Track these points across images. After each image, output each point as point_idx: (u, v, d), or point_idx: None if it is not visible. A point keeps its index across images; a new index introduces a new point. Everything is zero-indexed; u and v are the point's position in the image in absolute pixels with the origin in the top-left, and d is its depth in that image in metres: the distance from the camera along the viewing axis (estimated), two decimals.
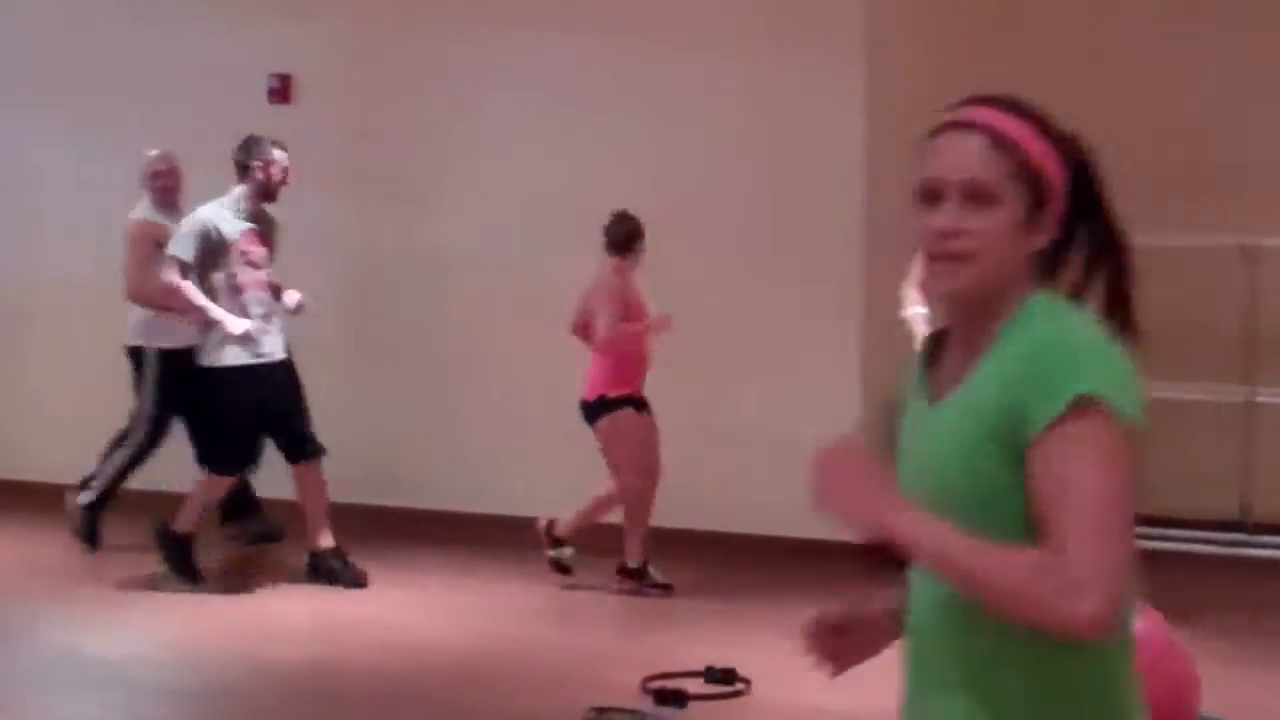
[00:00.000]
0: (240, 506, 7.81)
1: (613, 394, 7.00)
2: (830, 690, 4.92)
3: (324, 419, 7.44)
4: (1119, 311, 1.95)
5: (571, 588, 7.23)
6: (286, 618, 6.82)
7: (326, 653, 6.24)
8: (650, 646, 6.28)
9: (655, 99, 7.97)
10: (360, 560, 7.39)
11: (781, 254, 7.81)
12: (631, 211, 7.09)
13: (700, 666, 5.76)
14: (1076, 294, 1.98)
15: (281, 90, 8.52)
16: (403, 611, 6.88)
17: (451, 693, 5.79)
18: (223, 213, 7.04)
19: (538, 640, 6.55)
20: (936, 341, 2.05)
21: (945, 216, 1.88)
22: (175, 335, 7.35)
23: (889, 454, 2.06)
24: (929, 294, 2.67)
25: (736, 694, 5.66)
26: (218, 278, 7.02)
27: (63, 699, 5.84)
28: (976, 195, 1.87)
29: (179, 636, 6.58)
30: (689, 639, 6.30)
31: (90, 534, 7.82)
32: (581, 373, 7.03)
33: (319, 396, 7.48)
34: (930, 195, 1.91)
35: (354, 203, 8.42)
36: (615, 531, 7.27)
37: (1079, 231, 1.95)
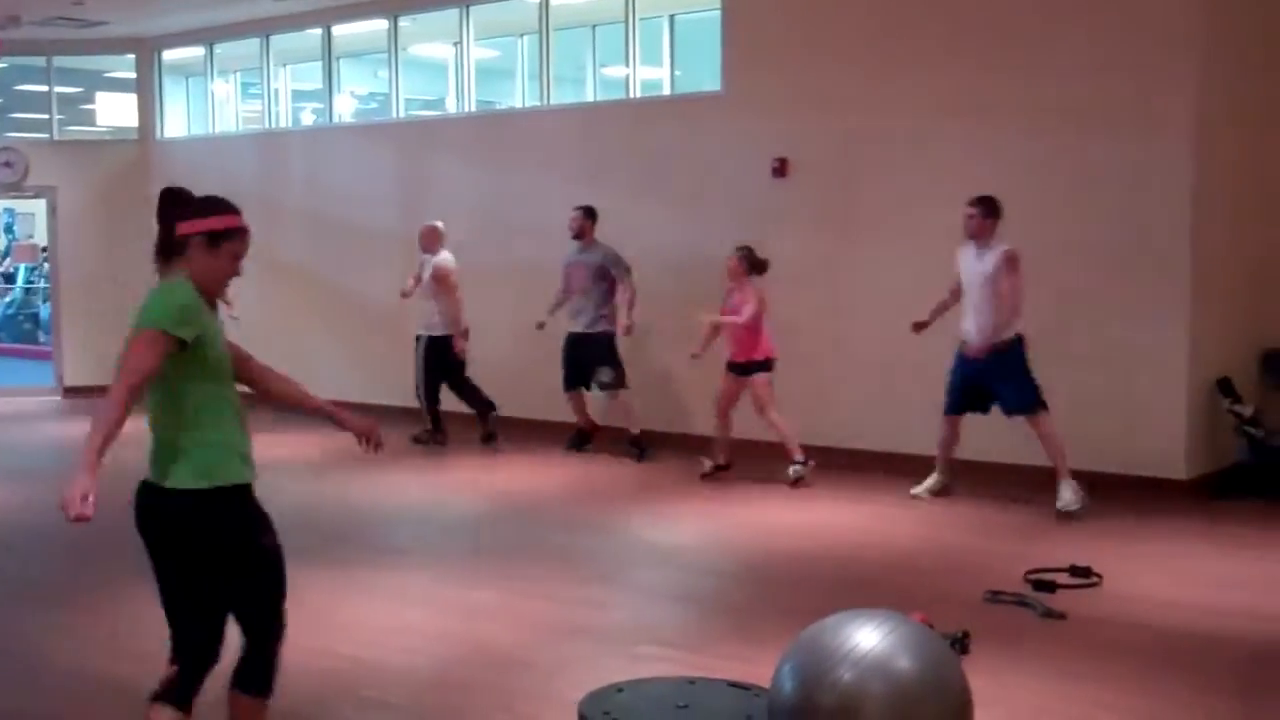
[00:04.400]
0: None
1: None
2: (1170, 587, 6.52)
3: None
4: None
5: (953, 504, 8.98)
6: (784, 521, 8.66)
7: (803, 547, 7.90)
8: (1026, 550, 7.59)
9: (1023, 171, 9.55)
10: (828, 489, 9.47)
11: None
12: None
13: (1066, 564, 7.05)
14: None
15: (781, 169, 10.92)
16: (858, 519, 8.70)
17: (885, 575, 7.26)
18: None
19: (939, 542, 8.11)
20: None
21: None
22: None
23: None
24: None
25: (1093, 585, 6.83)
26: None
27: (640, 571, 7.70)
28: None
29: (713, 530, 8.51)
30: (1058, 545, 7.63)
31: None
32: None
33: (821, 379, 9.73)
34: None
35: (831, 243, 10.65)
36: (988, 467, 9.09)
37: None
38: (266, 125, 15.52)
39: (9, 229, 23.03)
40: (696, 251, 11.35)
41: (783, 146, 10.81)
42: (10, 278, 23.08)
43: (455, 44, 13.74)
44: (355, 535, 8.66)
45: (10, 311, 22.78)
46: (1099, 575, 6.97)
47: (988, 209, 8.78)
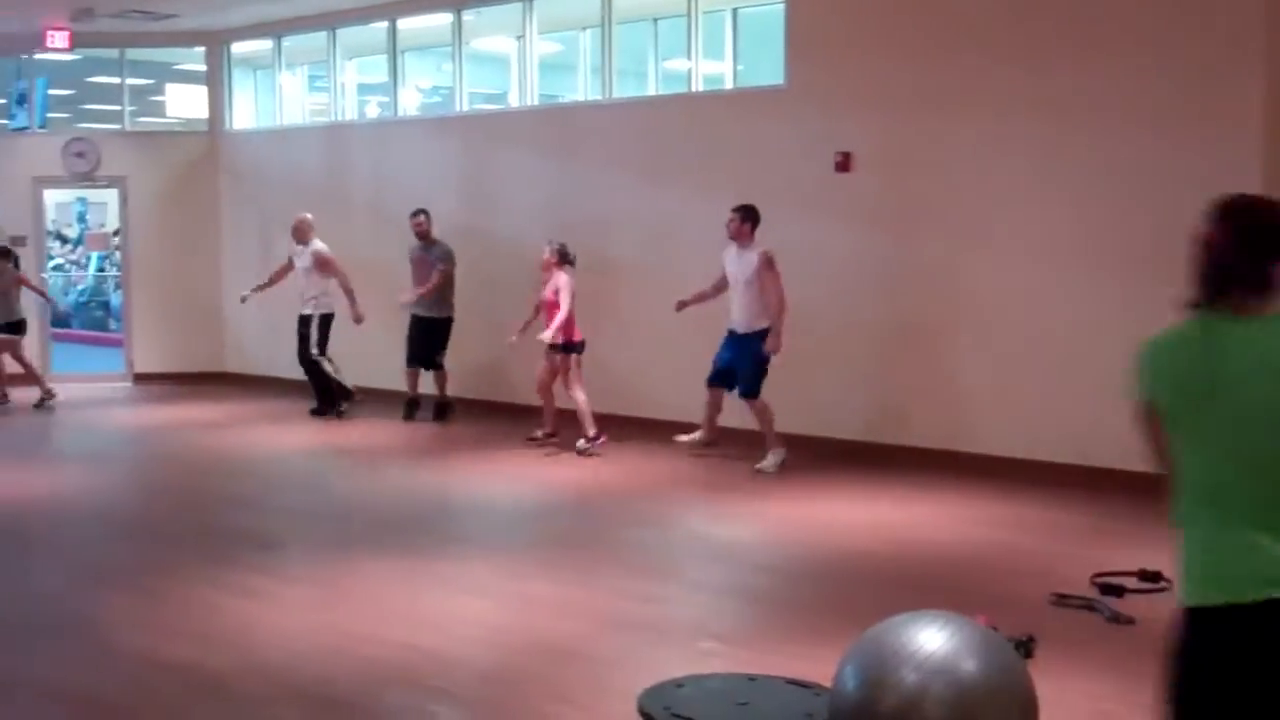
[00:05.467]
0: None
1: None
2: None
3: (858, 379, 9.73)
4: None
5: (1022, 505, 8.86)
6: (843, 518, 8.60)
7: (865, 546, 7.84)
8: (1090, 553, 7.46)
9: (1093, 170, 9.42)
10: (888, 486, 9.41)
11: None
12: None
13: (1135, 568, 6.84)
14: None
15: (844, 163, 10.81)
16: (916, 518, 8.61)
17: (944, 575, 7.18)
18: None
19: (1000, 542, 7.99)
20: None
21: None
22: None
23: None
24: None
25: (1162, 590, 6.53)
26: None
27: (698, 566, 7.72)
28: None
29: (769, 526, 8.47)
30: (1125, 549, 7.41)
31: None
32: None
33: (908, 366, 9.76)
34: None
35: (893, 237, 10.52)
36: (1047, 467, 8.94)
37: None
38: (332, 118, 15.58)
39: (81, 218, 23.29)
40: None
41: (845, 141, 10.71)
42: (83, 266, 23.38)
43: (518, 38, 13.72)
44: (418, 525, 8.69)
45: (83, 299, 23.09)
46: (1168, 580, 6.64)
47: (745, 214, 10.11)
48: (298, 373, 13.82)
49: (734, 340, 10.22)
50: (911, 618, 3.56)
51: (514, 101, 14.23)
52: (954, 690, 3.36)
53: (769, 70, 11.67)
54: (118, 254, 18.51)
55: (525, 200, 13.01)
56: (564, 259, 11.17)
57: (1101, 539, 8.01)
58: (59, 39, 15.18)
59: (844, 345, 10.80)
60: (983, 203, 10.02)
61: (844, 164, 10.71)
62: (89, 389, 15.66)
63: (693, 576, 7.54)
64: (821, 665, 4.62)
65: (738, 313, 10.17)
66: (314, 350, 13.18)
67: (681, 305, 10.58)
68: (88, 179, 16.74)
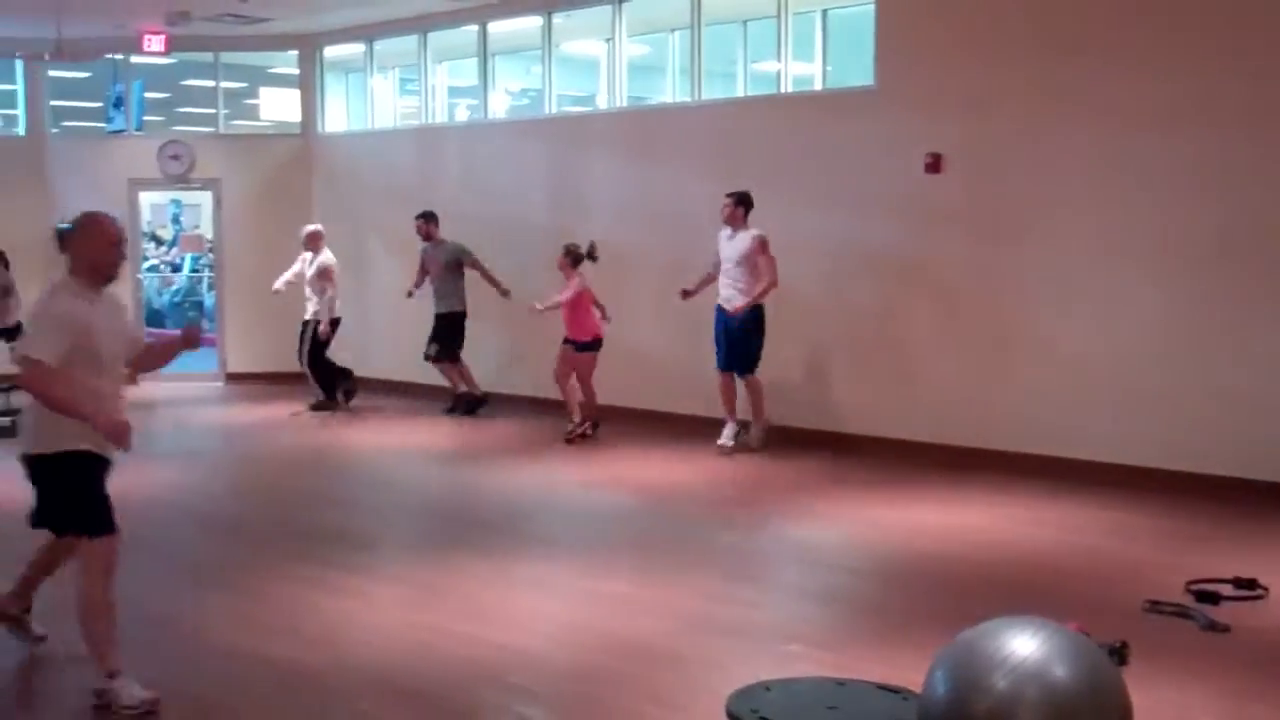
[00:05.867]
0: None
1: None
2: None
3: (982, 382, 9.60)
4: None
5: (1112, 509, 8.74)
6: (929, 521, 8.54)
7: (950, 550, 7.78)
8: (1183, 559, 7.38)
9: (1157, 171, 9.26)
10: (973, 489, 9.36)
11: None
12: None
13: (1230, 575, 6.80)
14: None
15: (934, 165, 10.74)
16: (1002, 521, 8.53)
17: (1033, 580, 7.09)
18: None
19: (1088, 547, 7.87)
20: None
21: None
22: None
23: None
24: None
25: (1258, 597, 6.60)
26: None
27: (783, 568, 7.73)
28: None
29: (854, 529, 8.40)
30: (1219, 555, 7.41)
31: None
32: None
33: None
34: None
35: (984, 241, 10.42)
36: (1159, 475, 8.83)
37: None
38: (423, 121, 15.73)
39: (176, 219, 23.66)
40: (846, 247, 11.24)
41: (936, 142, 10.63)
42: (177, 267, 23.75)
43: (607, 40, 13.77)
44: (504, 524, 8.76)
45: (177, 300, 23.45)
46: (1265, 587, 6.75)
47: (739, 200, 10.98)
48: (388, 372, 13.98)
49: (723, 316, 11.02)
50: (1003, 623, 3.53)
51: (602, 104, 14.28)
52: (1047, 697, 3.33)
53: (859, 71, 11.62)
54: (211, 255, 18.82)
55: (612, 202, 13.06)
56: (575, 260, 11.83)
57: (1194, 545, 7.90)
58: (155, 43, 15.43)
59: (935, 351, 10.73)
60: (1078, 207, 9.90)
61: (934, 166, 10.63)
62: (182, 388, 15.92)
63: (777, 578, 7.56)
64: (910, 670, 4.61)
65: (727, 290, 11.00)
66: (302, 357, 14.06)
67: (687, 294, 11.26)
68: (182, 181, 17.03)
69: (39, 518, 5.40)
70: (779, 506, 9.26)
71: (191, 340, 5.85)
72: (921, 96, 10.74)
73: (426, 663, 5.75)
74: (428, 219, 13.85)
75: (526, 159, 14.11)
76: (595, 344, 11.95)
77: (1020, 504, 9.11)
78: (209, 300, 21.24)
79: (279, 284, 14.28)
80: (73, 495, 5.22)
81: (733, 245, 11.00)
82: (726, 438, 11.14)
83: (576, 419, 11.93)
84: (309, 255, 14.00)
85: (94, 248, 5.24)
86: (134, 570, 7.80)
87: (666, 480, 10.14)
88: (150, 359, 5.79)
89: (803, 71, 12.76)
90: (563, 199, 13.65)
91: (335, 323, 13.95)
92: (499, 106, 15.69)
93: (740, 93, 13.32)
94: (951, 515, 8.83)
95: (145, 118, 17.52)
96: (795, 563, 7.87)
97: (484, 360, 13.89)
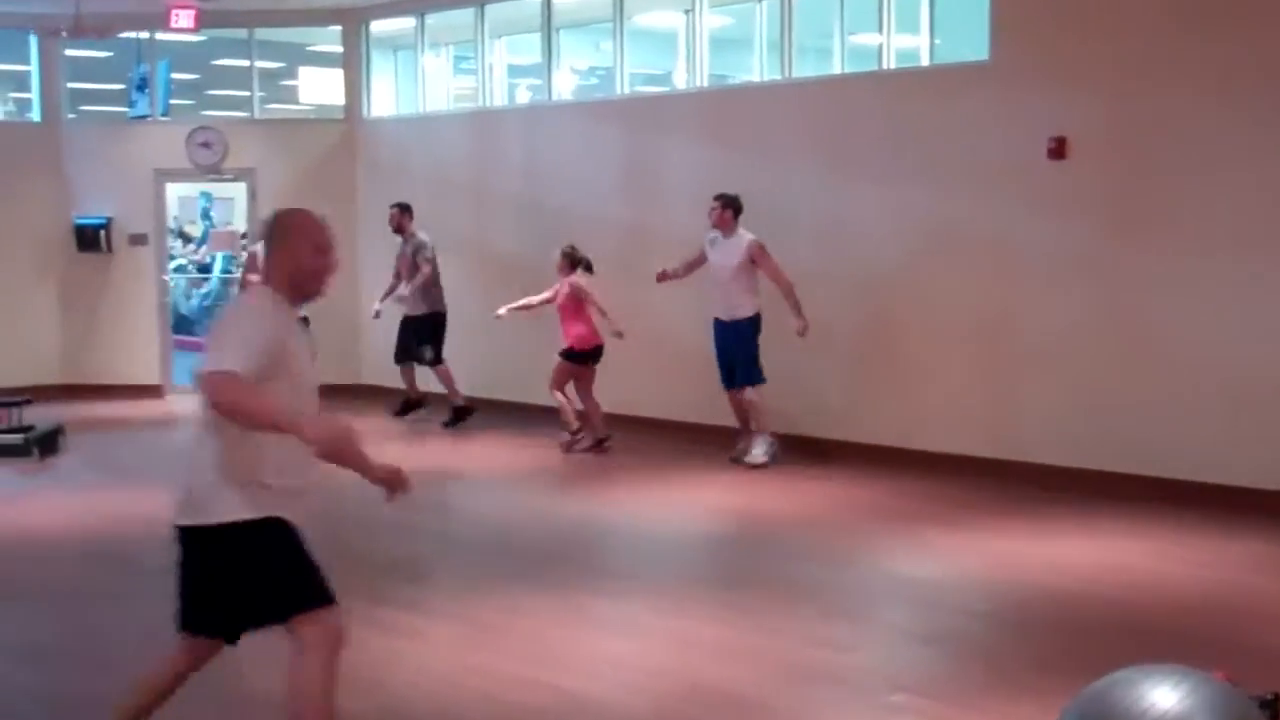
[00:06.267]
0: None
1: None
2: None
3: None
4: None
5: (1258, 540, 8.68)
6: (1047, 554, 8.45)
7: (1071, 585, 7.76)
8: None
9: None
10: (1097, 517, 9.31)
11: None
12: None
13: None
14: None
15: (1058, 149, 10.68)
16: (1124, 555, 8.50)
17: (1165, 621, 7.04)
18: None
19: (1225, 583, 7.89)
20: None
21: None
22: None
23: None
24: None
25: None
26: None
27: (881, 607, 7.74)
28: None
29: (959, 562, 8.40)
30: None
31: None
32: None
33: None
34: None
35: (1112, 232, 10.38)
36: None
37: None
38: (480, 103, 15.87)
39: (206, 214, 23.98)
40: (956, 238, 11.23)
41: (1060, 124, 10.57)
42: (207, 268, 24.03)
43: (686, 12, 13.82)
44: (569, 555, 8.84)
45: (206, 303, 23.65)
46: None
47: (726, 203, 11.51)
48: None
49: (721, 329, 11.64)
50: (1140, 673, 3.52)
51: (680, 83, 14.35)
52: None
53: (971, 44, 11.58)
54: (245, 254, 19.07)
55: (691, 193, 13.06)
56: (573, 263, 12.42)
57: None
58: (184, 18, 15.54)
59: (1054, 356, 10.67)
60: (1222, 197, 9.82)
61: (1058, 150, 10.57)
62: None
63: (877, 619, 7.58)
64: None
65: (721, 300, 11.61)
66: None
67: (665, 277, 12.03)
68: (213, 172, 17.30)
69: (209, 614, 4.60)
70: (873, 534, 9.27)
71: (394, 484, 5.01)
72: (1043, 72, 10.70)
73: (485, 711, 5.81)
74: (403, 210, 14.29)
75: (595, 145, 14.21)
76: (594, 354, 12.47)
77: (1150, 533, 9.06)
78: None
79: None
80: (288, 565, 4.53)
81: (724, 252, 11.55)
82: (752, 455, 11.57)
83: (573, 428, 12.49)
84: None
85: (294, 254, 4.62)
86: (155, 603, 7.95)
87: (746, 504, 10.21)
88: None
89: (907, 45, 12.72)
90: (636, 190, 13.73)
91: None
92: (564, 87, 15.80)
93: (836, 69, 13.30)
94: (1067, 545, 8.81)
95: (172, 102, 17.82)
96: (896, 600, 7.90)
97: (502, 366, 13.97)
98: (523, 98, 16.63)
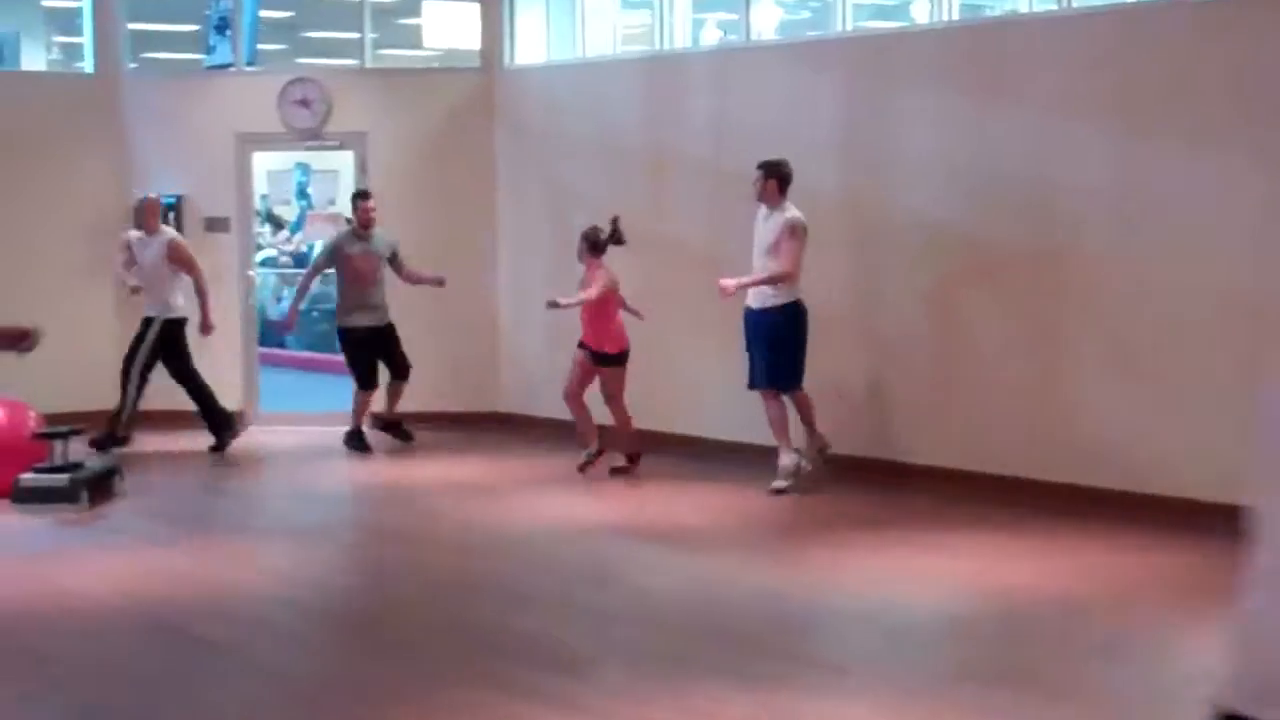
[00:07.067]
0: None
1: None
2: None
3: None
4: None
5: None
6: None
7: None
8: None
9: None
10: None
11: None
12: None
13: None
14: None
15: None
16: None
17: None
18: None
19: None
20: None
21: None
22: None
23: None
24: None
25: None
26: None
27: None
28: None
29: None
30: None
31: None
32: None
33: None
34: None
35: None
36: None
37: None
38: (655, 46, 15.81)
39: (303, 193, 24.15)
40: None
41: None
42: (304, 261, 24.17)
43: None
44: (768, 638, 8.75)
45: (303, 307, 23.65)
46: None
47: (769, 171, 12.50)
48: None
49: (753, 320, 12.66)
50: None
51: (919, 16, 14.14)
52: None
53: None
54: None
55: (934, 159, 12.90)
56: (595, 248, 13.45)
57: None
58: None
59: None
60: None
61: None
62: (310, 435, 16.19)
63: None
64: None
65: (755, 288, 12.60)
66: (139, 360, 15.18)
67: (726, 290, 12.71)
68: (313, 137, 17.41)
69: None
70: (1173, 618, 9.03)
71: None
72: None
73: None
74: (366, 198, 15.57)
75: (806, 99, 14.08)
76: (622, 356, 13.58)
77: None
78: None
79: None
80: None
81: (766, 229, 12.59)
82: (805, 463, 12.71)
83: (593, 448, 13.68)
84: (138, 235, 15.51)
85: None
86: (229, 693, 7.96)
87: (1011, 578, 10.03)
88: None
89: None
90: (859, 156, 13.59)
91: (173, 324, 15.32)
92: (766, 24, 15.66)
93: None
94: None
95: (261, 47, 17.98)
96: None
97: (680, 394, 13.85)
98: (711, 38, 16.52)
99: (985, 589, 9.80)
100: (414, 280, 15.52)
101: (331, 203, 22.69)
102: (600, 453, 13.69)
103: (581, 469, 13.68)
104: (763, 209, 12.62)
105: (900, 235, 13.05)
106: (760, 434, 12.94)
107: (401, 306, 15.52)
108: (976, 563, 10.50)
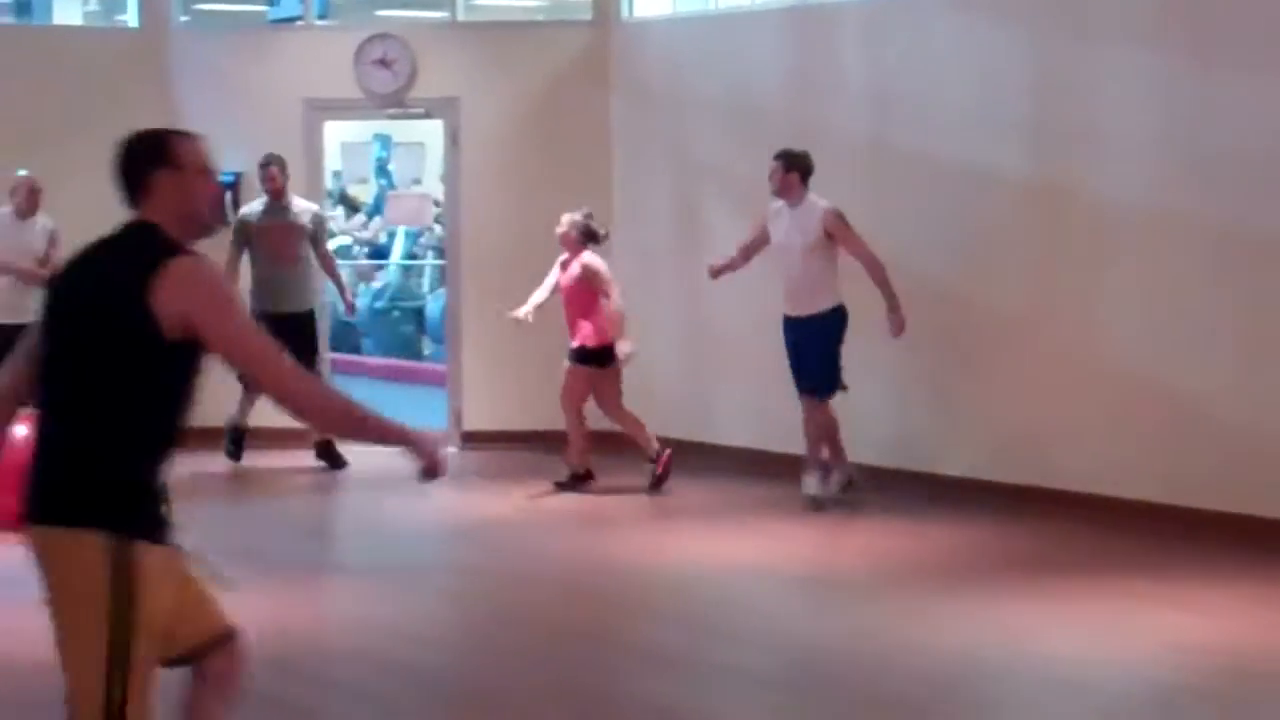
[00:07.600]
0: None
1: None
2: None
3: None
4: None
5: None
6: None
7: None
8: None
9: None
10: None
11: None
12: None
13: None
14: None
15: None
16: None
17: None
18: None
19: None
20: None
21: None
22: None
23: None
24: None
25: None
26: None
27: None
28: None
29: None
30: None
31: None
32: None
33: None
34: None
35: None
36: None
37: None
38: None
39: (382, 170, 24.24)
40: None
41: None
42: (382, 251, 24.23)
43: None
44: (933, 707, 8.76)
45: (379, 304, 23.77)
46: None
47: (790, 162, 13.12)
48: (735, 438, 14.03)
49: (793, 327, 13.30)
50: None
51: None
52: None
53: None
54: (440, 230, 19.23)
55: (1142, 134, 12.76)
56: (588, 236, 14.18)
57: None
58: None
59: None
60: None
61: None
62: (388, 455, 16.24)
63: None
64: None
65: (793, 290, 13.24)
66: None
67: (717, 272, 13.85)
68: (395, 104, 17.52)
69: None
70: None
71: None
72: None
73: None
74: (280, 164, 15.91)
75: (983, 56, 14.03)
76: (605, 354, 14.15)
77: None
78: (435, 307, 21.70)
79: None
80: None
81: (793, 226, 13.19)
82: (834, 483, 13.54)
83: (574, 462, 14.43)
84: (15, 220, 15.27)
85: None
86: None
87: (1195, 625, 10.01)
88: None
89: None
90: (1050, 126, 13.53)
91: None
92: None
93: None
94: None
95: None
96: None
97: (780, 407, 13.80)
98: None
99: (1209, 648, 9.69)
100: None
101: (416, 181, 22.76)
102: (589, 476, 14.44)
103: (560, 485, 14.39)
104: (776, 204, 13.26)
105: (1100, 224, 12.92)
106: (916, 459, 13.01)
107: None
108: (1198, 617, 10.39)
